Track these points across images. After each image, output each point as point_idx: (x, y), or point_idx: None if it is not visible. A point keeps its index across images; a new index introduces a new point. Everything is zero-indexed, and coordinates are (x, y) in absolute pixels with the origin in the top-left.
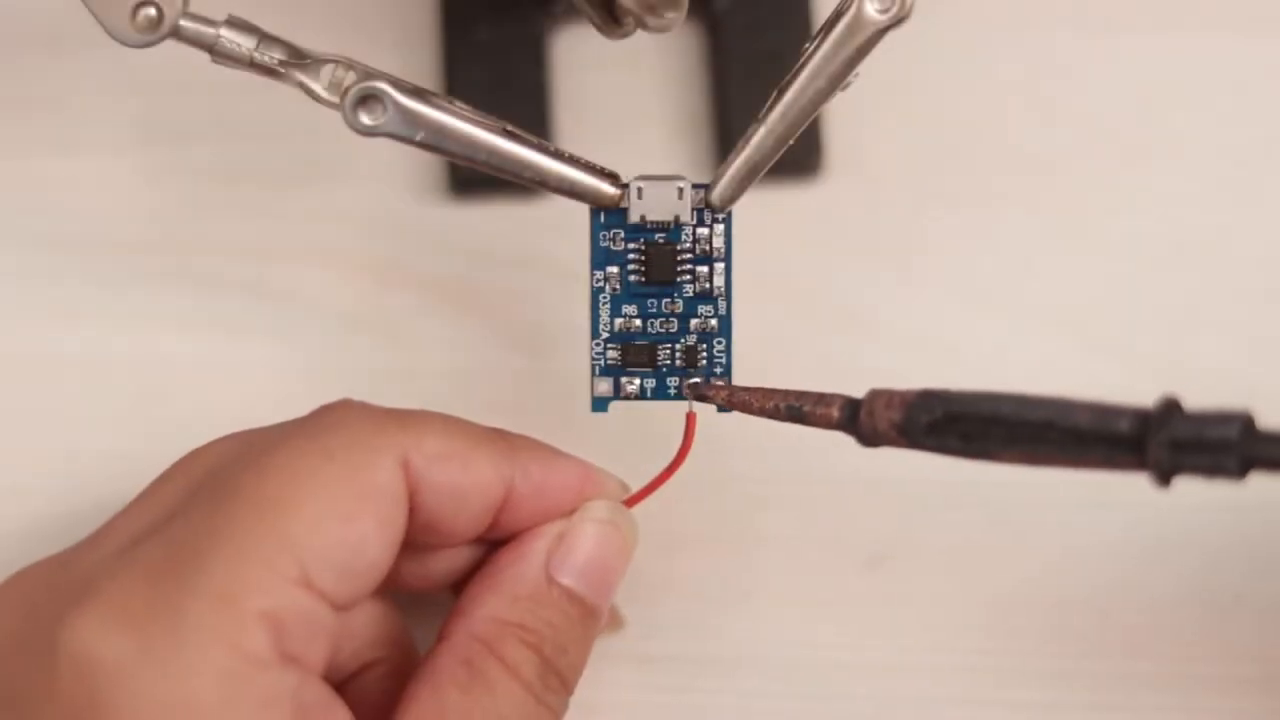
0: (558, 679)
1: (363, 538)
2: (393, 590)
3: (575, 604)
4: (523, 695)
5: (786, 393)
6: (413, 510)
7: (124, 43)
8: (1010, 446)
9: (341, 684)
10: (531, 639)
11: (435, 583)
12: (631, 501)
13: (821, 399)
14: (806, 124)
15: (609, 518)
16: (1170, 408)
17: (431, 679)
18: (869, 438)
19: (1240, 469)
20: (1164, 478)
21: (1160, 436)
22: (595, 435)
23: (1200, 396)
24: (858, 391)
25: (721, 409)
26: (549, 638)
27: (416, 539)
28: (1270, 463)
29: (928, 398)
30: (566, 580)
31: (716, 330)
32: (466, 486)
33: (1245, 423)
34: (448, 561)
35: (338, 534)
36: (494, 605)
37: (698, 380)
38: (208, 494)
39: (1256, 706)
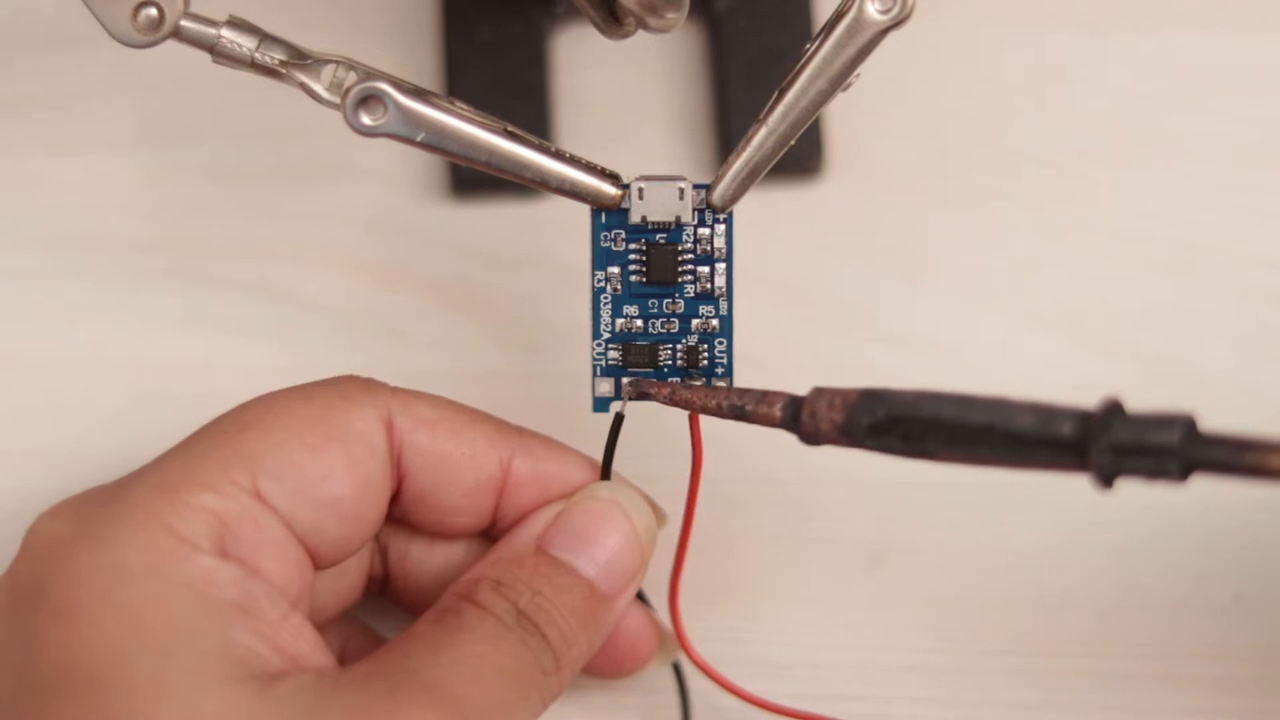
0: (538, 635)
1: (326, 471)
2: (406, 584)
3: (566, 574)
4: (495, 626)
5: (730, 390)
6: (402, 477)
7: (125, 43)
8: (951, 448)
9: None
10: (507, 591)
11: (440, 576)
12: (686, 524)
13: (764, 397)
14: (807, 124)
15: (611, 496)
16: (1112, 410)
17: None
18: (810, 437)
19: (1182, 472)
20: (1106, 481)
21: (1102, 441)
22: (596, 435)
23: (1200, 396)
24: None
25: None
26: (525, 594)
27: (413, 515)
28: (1212, 465)
29: (869, 398)
30: (557, 552)
31: (718, 330)
32: (456, 456)
33: (1187, 426)
34: (453, 554)
35: (299, 459)
36: (477, 569)
37: (638, 379)
38: (201, 429)
39: (1256, 707)
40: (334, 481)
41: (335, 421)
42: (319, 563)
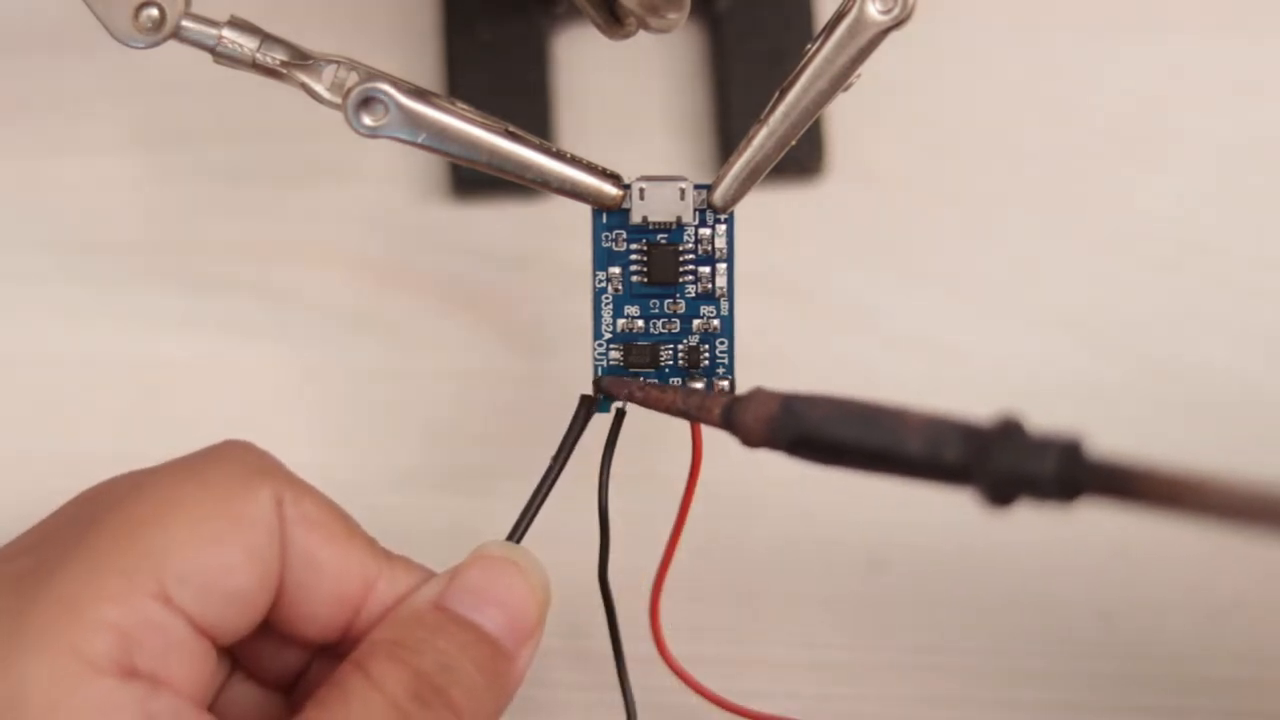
0: (440, 700)
1: (230, 564)
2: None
3: (469, 630)
4: (382, 707)
5: (679, 391)
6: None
7: (126, 44)
8: (860, 465)
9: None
10: (405, 654)
11: (274, 676)
12: (678, 524)
13: (706, 401)
14: (808, 125)
15: (503, 554)
16: (997, 434)
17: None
18: (747, 443)
19: (1065, 497)
20: (997, 506)
21: (982, 471)
22: (596, 436)
23: (1201, 396)
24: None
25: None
26: (429, 656)
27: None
28: (1097, 490)
29: (787, 415)
30: (459, 609)
31: (718, 331)
32: (326, 562)
33: (1064, 451)
34: (292, 657)
35: (204, 555)
36: (374, 633)
37: (607, 378)
38: (85, 517)
39: (1255, 709)
40: (238, 573)
41: (234, 508)
42: (219, 644)
